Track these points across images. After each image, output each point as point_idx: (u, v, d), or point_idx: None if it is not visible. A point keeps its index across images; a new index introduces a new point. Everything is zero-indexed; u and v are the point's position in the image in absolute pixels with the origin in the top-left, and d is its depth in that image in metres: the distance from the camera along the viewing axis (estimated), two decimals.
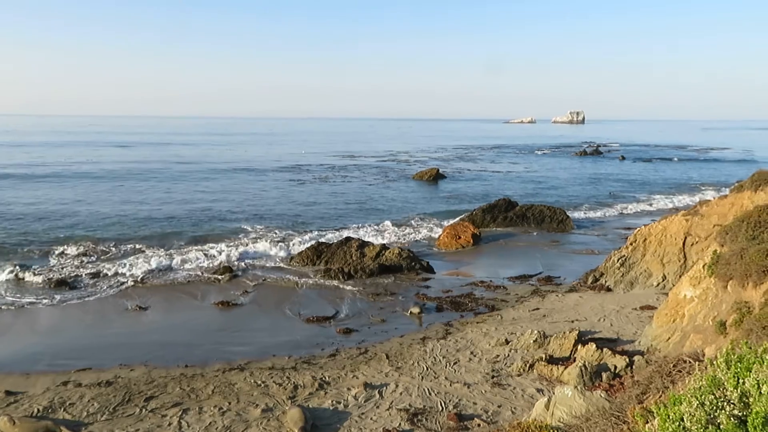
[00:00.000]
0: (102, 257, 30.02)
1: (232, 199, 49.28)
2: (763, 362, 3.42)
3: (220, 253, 30.69)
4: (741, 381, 3.30)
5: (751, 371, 3.31)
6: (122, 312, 22.06)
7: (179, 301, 23.55)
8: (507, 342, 17.64)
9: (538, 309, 21.97)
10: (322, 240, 32.43)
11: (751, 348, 3.81)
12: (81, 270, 27.33)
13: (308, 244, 31.47)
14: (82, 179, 60.33)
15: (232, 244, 32.96)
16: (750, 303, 11.63)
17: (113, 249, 31.45)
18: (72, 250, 30.70)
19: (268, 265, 29.39)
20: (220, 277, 26.77)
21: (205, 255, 30.42)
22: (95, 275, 26.57)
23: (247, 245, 32.70)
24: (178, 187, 56.82)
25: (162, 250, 31.37)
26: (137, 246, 32.03)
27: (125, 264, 28.32)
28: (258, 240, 33.92)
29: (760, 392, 3.08)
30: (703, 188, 60.68)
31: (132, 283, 25.56)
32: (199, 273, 27.44)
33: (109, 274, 26.82)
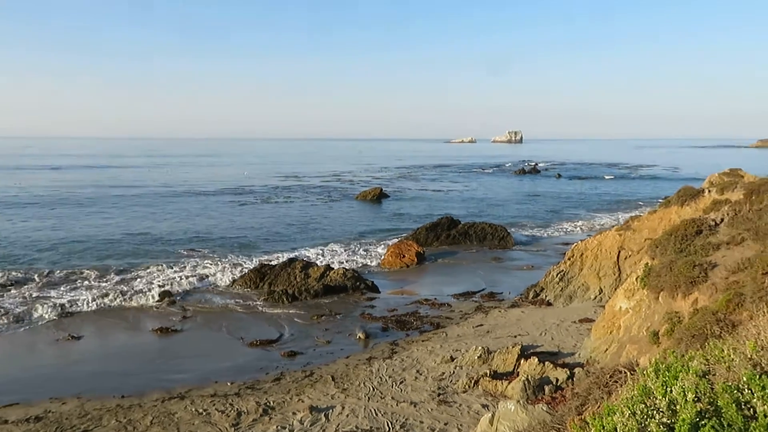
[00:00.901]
0: (33, 285, 28.54)
1: (171, 223, 48.00)
2: (689, 370, 3.55)
3: (159, 278, 29.74)
4: (669, 389, 3.41)
5: (677, 379, 3.43)
6: (53, 342, 20.99)
7: (115, 328, 22.62)
8: (452, 359, 17.73)
9: (481, 325, 22.23)
10: (266, 262, 31.89)
11: (678, 357, 3.96)
12: (9, 300, 25.87)
13: (251, 267, 30.81)
14: (11, 207, 57.47)
15: (171, 268, 32.02)
16: (680, 313, 12.04)
17: (45, 277, 29.97)
18: None
19: (209, 289, 28.67)
20: (158, 302, 25.92)
21: (143, 280, 29.44)
22: (24, 304, 25.19)
23: (187, 269, 31.85)
24: (114, 211, 54.94)
25: (97, 275, 30.14)
26: (70, 273, 30.65)
27: (58, 291, 27.01)
28: (199, 264, 33.08)
29: (686, 399, 3.19)
30: (634, 204, 63.35)
31: (64, 312, 24.37)
32: (137, 299, 26.46)
33: (40, 303, 25.47)
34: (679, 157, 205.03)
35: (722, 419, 3.13)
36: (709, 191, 24.88)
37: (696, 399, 3.25)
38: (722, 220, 15.64)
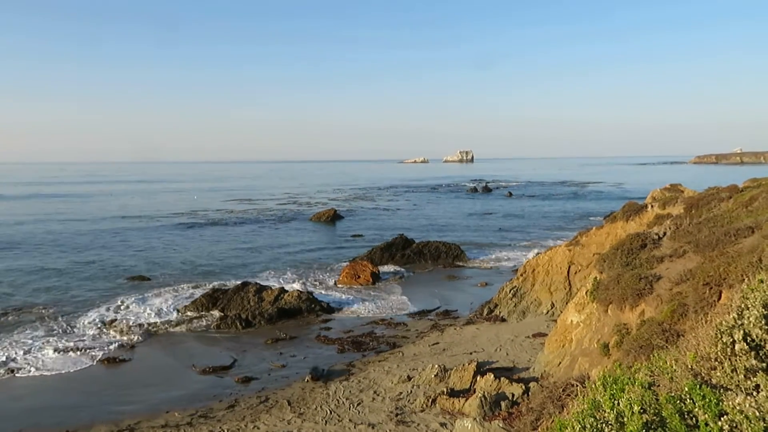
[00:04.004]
0: None
1: (118, 249, 46.61)
2: (635, 382, 3.64)
3: (106, 307, 28.73)
4: (616, 402, 3.49)
5: (624, 392, 3.52)
6: None
7: (59, 360, 21.67)
8: (409, 378, 17.70)
9: (437, 343, 22.30)
10: (218, 287, 31.23)
11: (624, 369, 4.06)
12: None
13: (202, 292, 30.12)
14: None
15: (118, 295, 30.98)
16: (628, 325, 12.34)
17: None
18: None
19: (159, 315, 27.78)
20: (105, 331, 25.00)
21: (90, 308, 28.36)
22: None
23: (134, 296, 30.83)
24: (58, 238, 52.95)
25: (40, 308, 28.91)
26: (11, 309, 29.32)
27: None
28: (148, 290, 32.12)
29: (633, 411, 3.27)
30: (583, 220, 65.00)
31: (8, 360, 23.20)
32: (83, 328, 25.45)
33: None
34: (623, 173, 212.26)
35: (667, 429, 3.22)
36: (652, 206, 25.76)
37: (642, 410, 3.33)
38: (665, 233, 16.19)
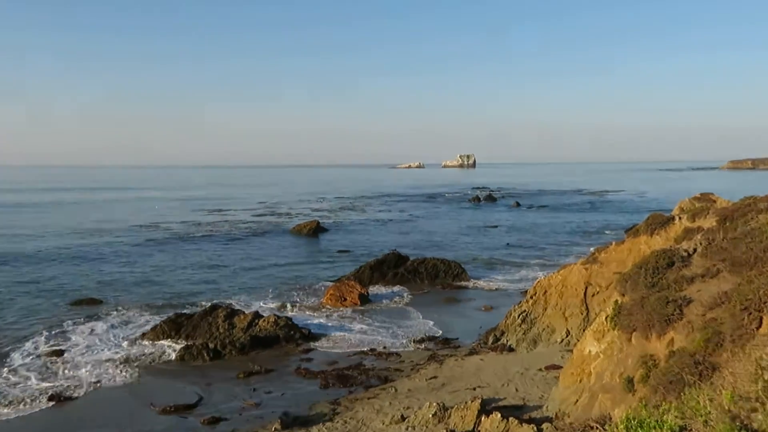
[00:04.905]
0: None
1: (65, 268, 46.19)
2: (663, 425, 3.57)
3: (52, 333, 28.38)
4: None
5: None
6: None
7: None
8: (403, 419, 17.56)
9: (436, 377, 22.18)
10: (183, 311, 31.03)
11: (651, 409, 3.97)
12: None
13: (164, 317, 29.82)
14: None
15: (63, 322, 30.60)
16: (655, 356, 12.19)
17: None
18: None
19: (111, 345, 27.37)
20: (50, 364, 24.62)
21: (27, 338, 27.94)
22: None
23: (84, 323, 30.46)
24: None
25: None
26: None
27: None
28: (99, 315, 31.72)
29: None
30: (601, 233, 65.14)
31: None
32: (18, 362, 25.06)
33: None
34: (646, 181, 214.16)
35: None
36: (680, 218, 25.63)
37: None
38: (695, 249, 16.09)
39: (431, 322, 31.01)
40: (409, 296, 37.07)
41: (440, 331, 29.31)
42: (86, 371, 23.98)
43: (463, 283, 40.12)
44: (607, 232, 66.41)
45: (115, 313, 32.59)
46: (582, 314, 25.40)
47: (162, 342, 27.61)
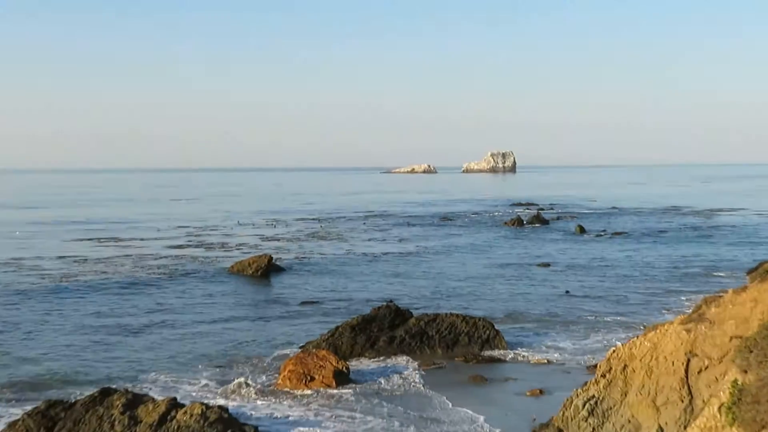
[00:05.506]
0: None
1: None
2: None
3: None
4: None
5: None
6: None
7: None
8: None
9: None
10: (60, 398, 26.58)
11: None
12: None
13: (31, 407, 25.63)
14: None
15: None
16: None
17: None
18: None
19: None
20: None
21: None
22: None
23: None
24: None
25: None
26: None
27: None
28: None
29: None
30: (715, 276, 55.15)
31: None
32: None
33: None
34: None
35: None
36: None
37: None
38: None
39: (449, 415, 26.02)
40: (418, 373, 31.52)
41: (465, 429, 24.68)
42: None
43: (498, 353, 35.08)
44: (719, 273, 56.81)
45: None
46: (682, 402, 22.37)
47: None
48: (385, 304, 38.60)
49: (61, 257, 66.59)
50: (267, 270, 56.96)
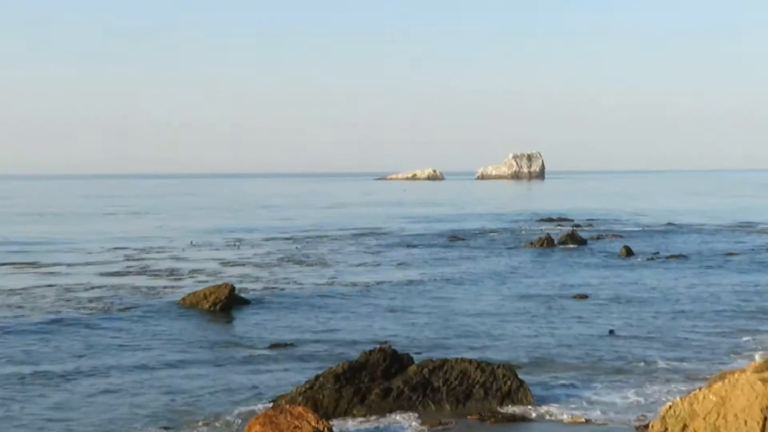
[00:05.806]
0: None
1: None
2: None
3: None
4: None
5: None
6: None
7: None
8: None
9: None
10: None
11: None
12: None
13: None
14: None
15: None
16: None
17: None
18: None
19: None
20: None
21: None
22: None
23: None
24: None
25: None
26: None
27: None
28: None
29: None
30: None
31: None
32: None
33: None
34: None
35: None
36: None
37: None
38: None
39: None
40: None
41: None
42: None
43: (522, 410, 27.56)
44: None
45: None
46: None
47: None
48: (378, 347, 31.46)
49: None
50: (228, 303, 48.13)
